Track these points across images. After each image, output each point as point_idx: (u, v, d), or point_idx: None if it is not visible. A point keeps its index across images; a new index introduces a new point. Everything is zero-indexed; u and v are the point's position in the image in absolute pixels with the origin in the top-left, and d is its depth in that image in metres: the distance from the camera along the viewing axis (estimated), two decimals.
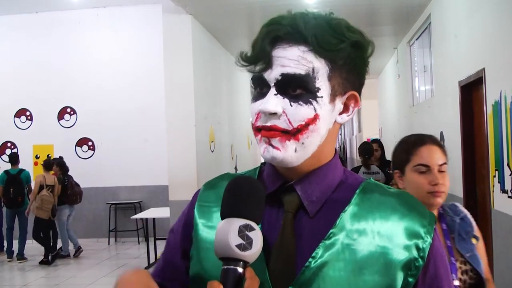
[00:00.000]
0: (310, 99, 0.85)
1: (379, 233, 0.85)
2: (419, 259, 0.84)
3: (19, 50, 9.85)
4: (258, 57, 0.86)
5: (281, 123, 0.85)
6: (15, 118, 9.94)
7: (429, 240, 0.85)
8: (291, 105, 0.84)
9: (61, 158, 8.71)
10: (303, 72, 0.84)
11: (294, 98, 0.85)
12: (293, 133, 0.85)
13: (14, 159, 8.40)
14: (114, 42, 9.69)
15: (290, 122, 0.85)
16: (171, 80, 6.27)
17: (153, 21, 8.39)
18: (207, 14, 6.36)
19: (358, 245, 0.84)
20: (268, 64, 0.85)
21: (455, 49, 5.01)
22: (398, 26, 7.49)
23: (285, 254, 0.86)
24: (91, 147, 9.77)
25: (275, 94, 0.85)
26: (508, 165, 3.61)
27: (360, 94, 0.92)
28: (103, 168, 9.41)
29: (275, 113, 0.85)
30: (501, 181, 3.77)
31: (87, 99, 9.63)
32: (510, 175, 3.59)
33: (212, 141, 7.02)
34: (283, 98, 0.85)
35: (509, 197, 3.63)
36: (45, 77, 9.70)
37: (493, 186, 3.97)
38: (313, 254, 0.84)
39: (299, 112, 0.84)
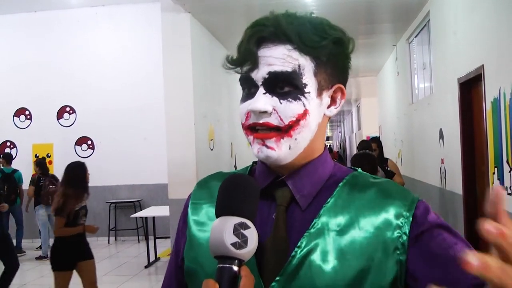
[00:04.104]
0: (299, 95, 0.87)
1: (361, 221, 0.87)
2: (403, 235, 0.85)
3: (18, 49, 9.85)
4: (245, 58, 0.88)
5: (273, 120, 0.87)
6: (14, 117, 9.94)
7: (410, 216, 0.85)
8: (281, 103, 0.87)
9: (43, 158, 8.84)
10: (289, 69, 0.86)
11: (282, 95, 0.87)
12: (286, 130, 0.87)
13: (8, 158, 8.54)
14: (113, 40, 9.69)
15: (281, 119, 0.87)
16: (170, 79, 6.26)
17: (152, 19, 8.38)
18: (206, 12, 6.35)
19: (341, 234, 0.86)
20: (255, 64, 0.87)
21: (454, 46, 5.01)
22: (397, 24, 7.49)
23: (278, 247, 0.88)
24: (91, 146, 9.77)
25: (264, 93, 0.87)
26: (507, 162, 3.62)
27: (345, 87, 0.95)
28: (102, 167, 9.40)
29: (265, 112, 0.87)
30: (501, 178, 3.78)
31: (86, 97, 9.63)
32: (509, 172, 3.59)
33: (211, 140, 7.02)
34: (272, 97, 0.87)
35: (508, 194, 3.63)
36: (44, 76, 9.70)
37: (493, 183, 3.97)
38: (298, 244, 0.86)
39: (290, 109, 0.86)
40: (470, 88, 4.73)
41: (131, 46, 9.55)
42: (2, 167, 8.49)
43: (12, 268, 5.34)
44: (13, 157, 8.91)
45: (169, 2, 5.99)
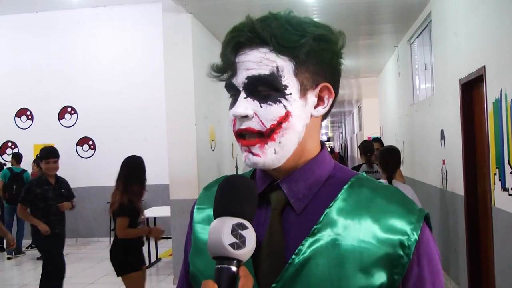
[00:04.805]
0: (279, 98, 0.86)
1: (363, 230, 0.84)
2: (404, 256, 0.82)
3: (19, 49, 9.86)
4: (225, 66, 0.89)
5: (255, 125, 0.87)
6: (16, 117, 9.95)
7: (415, 237, 0.83)
8: (261, 106, 0.86)
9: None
10: (267, 72, 0.86)
11: (263, 99, 0.87)
12: (268, 134, 0.86)
13: (18, 158, 8.60)
14: (114, 41, 9.69)
15: (262, 123, 0.86)
16: (171, 79, 6.27)
17: (153, 20, 8.39)
18: (207, 13, 6.35)
19: (342, 242, 0.83)
20: (234, 70, 0.88)
21: (456, 47, 5.00)
22: (398, 24, 7.48)
23: (274, 251, 0.86)
24: (92, 147, 9.77)
25: (245, 98, 0.87)
26: (508, 163, 3.61)
27: (336, 85, 0.93)
28: (103, 167, 9.40)
29: (246, 116, 0.86)
30: (502, 179, 3.77)
31: (88, 98, 9.64)
32: (510, 173, 3.58)
33: (212, 140, 7.02)
34: (253, 101, 0.87)
35: (509, 194, 3.63)
36: (45, 76, 9.71)
37: (494, 184, 3.97)
38: (296, 251, 0.84)
39: (270, 112, 0.86)
40: (472, 89, 4.72)
41: (132, 47, 9.56)
42: (11, 166, 8.54)
43: (58, 273, 5.12)
44: (22, 157, 8.91)
45: (170, 3, 5.99)
